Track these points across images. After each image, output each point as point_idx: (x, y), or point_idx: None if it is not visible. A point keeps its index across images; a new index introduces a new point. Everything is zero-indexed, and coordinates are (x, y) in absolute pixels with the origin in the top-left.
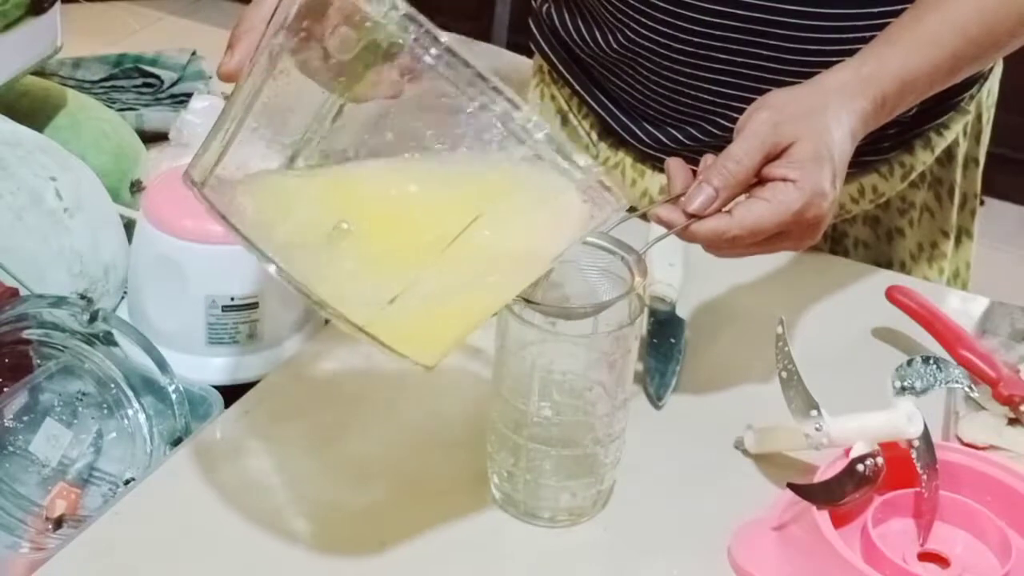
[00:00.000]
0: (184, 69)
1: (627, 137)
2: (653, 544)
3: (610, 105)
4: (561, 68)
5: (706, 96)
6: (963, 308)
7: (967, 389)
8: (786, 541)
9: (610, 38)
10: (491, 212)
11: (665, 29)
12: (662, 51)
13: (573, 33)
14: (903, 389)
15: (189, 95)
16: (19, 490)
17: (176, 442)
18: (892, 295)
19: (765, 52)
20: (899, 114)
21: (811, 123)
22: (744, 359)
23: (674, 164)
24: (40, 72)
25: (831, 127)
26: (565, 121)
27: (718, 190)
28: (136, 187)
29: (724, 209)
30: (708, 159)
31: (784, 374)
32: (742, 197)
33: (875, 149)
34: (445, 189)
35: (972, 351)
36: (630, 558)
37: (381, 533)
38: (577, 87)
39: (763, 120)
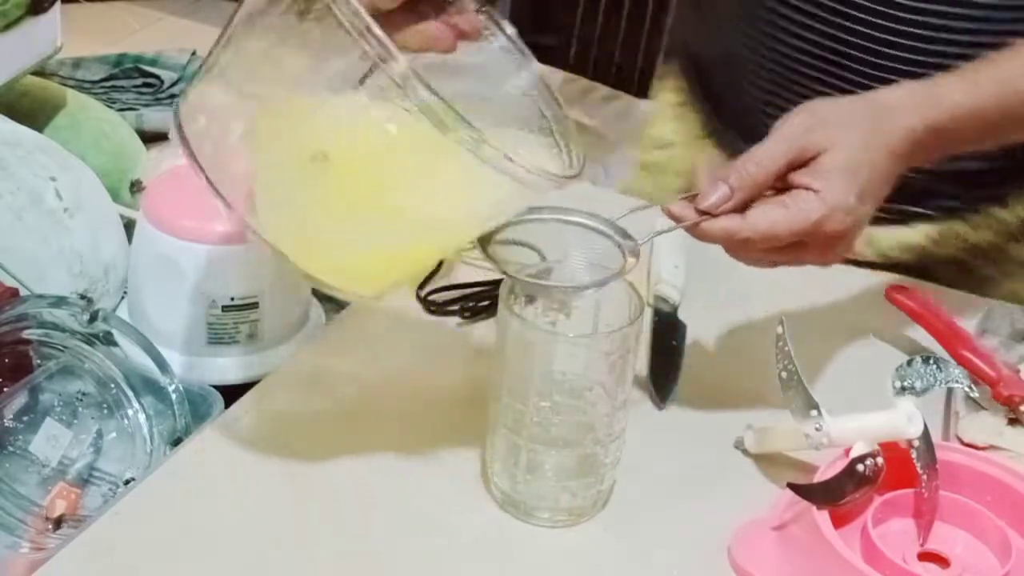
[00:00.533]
0: (184, 69)
1: (712, 143)
2: (653, 544)
3: (708, 106)
4: (683, 62)
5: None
6: (963, 308)
7: (967, 389)
8: (786, 541)
9: (710, 43)
10: (418, 175)
11: (752, 41)
12: (746, 64)
13: (690, 31)
14: (903, 389)
15: None
16: (19, 490)
17: (176, 442)
18: (892, 295)
19: (841, 81)
20: (976, 157)
21: (847, 133)
22: (744, 359)
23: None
24: (40, 72)
25: (868, 141)
26: (676, 114)
27: (733, 189)
28: (136, 187)
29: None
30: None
31: (784, 374)
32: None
33: (961, 196)
34: (400, 143)
35: (972, 351)
36: (630, 558)
37: (381, 533)
38: (688, 83)
39: (797, 124)
